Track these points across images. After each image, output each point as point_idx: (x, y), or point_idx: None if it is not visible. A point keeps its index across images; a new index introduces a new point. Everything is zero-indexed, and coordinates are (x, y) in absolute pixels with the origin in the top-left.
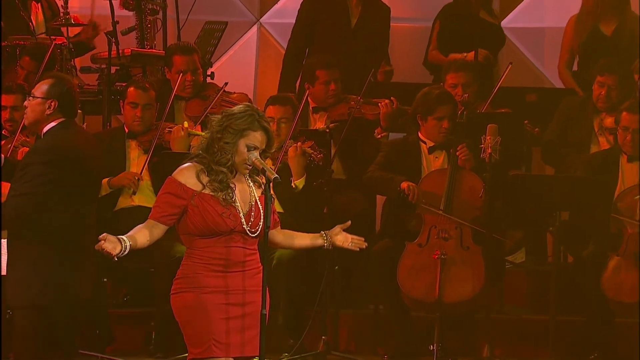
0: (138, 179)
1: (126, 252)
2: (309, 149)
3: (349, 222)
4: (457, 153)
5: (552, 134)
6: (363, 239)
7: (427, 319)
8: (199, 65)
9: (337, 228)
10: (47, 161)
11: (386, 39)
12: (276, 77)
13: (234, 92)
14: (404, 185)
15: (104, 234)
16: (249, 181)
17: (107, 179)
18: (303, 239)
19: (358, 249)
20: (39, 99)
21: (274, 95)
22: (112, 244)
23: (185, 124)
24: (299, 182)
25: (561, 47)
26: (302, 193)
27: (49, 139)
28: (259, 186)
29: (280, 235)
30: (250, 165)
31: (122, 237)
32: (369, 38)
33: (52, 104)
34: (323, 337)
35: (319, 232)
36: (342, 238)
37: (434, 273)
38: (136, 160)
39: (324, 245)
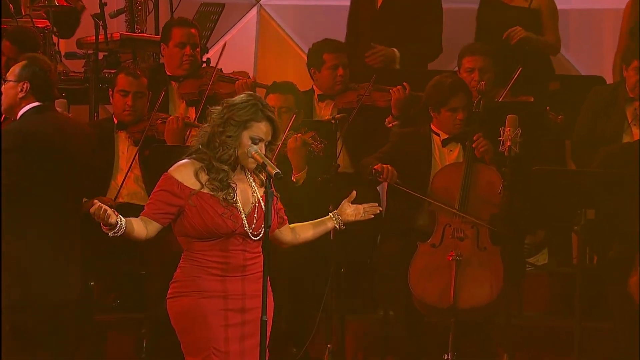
0: (112, 206)
1: (121, 232)
2: (309, 139)
3: (355, 193)
4: (474, 144)
5: (582, 130)
6: (376, 204)
7: (441, 325)
8: (198, 41)
9: (345, 203)
10: (14, 148)
11: (432, 22)
12: (277, 62)
13: (232, 72)
14: (377, 165)
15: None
16: (251, 180)
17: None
18: (306, 231)
19: (373, 216)
20: (11, 82)
21: (275, 82)
22: (109, 211)
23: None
24: (299, 177)
25: (619, 34)
26: (303, 188)
27: (19, 123)
28: (261, 184)
29: (289, 234)
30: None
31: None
32: (397, 20)
33: (24, 86)
34: (328, 345)
35: (327, 216)
36: (353, 212)
37: (448, 276)
38: (125, 153)
39: (335, 227)
